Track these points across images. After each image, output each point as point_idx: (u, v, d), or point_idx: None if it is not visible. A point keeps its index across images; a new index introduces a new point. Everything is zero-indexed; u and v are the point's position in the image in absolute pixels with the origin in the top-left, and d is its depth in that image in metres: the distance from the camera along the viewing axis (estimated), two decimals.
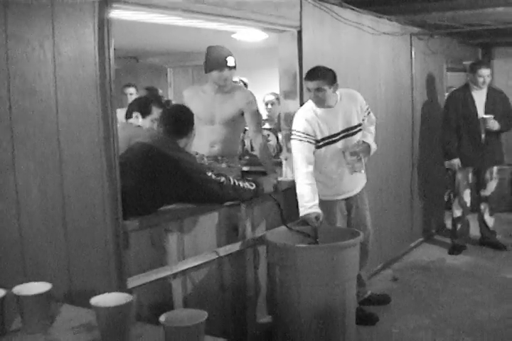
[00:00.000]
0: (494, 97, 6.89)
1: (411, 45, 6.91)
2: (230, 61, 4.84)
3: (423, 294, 5.68)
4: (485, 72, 6.77)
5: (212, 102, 4.98)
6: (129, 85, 7.59)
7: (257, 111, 5.04)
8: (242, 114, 4.98)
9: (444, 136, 6.98)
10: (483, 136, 6.82)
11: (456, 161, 6.83)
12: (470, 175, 6.99)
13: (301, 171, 4.53)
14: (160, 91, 7.89)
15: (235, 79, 6.53)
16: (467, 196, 7.01)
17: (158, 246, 3.66)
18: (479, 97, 6.84)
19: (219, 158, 5.03)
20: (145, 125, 4.56)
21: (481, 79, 6.76)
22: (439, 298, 5.53)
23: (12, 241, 2.78)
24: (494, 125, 6.69)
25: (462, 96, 6.87)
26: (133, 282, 3.43)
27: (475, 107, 6.81)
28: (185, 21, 4.22)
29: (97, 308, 2.02)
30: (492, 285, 5.85)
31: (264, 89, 7.26)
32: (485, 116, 6.71)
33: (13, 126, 2.76)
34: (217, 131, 4.98)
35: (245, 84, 6.71)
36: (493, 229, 7.20)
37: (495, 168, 7.06)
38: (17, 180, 2.78)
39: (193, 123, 4.08)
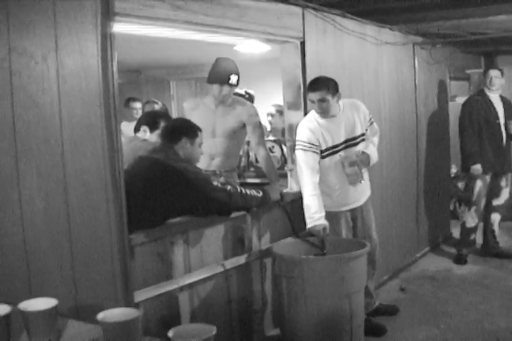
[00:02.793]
0: (508, 105, 6.91)
1: (414, 54, 6.90)
2: (233, 79, 4.85)
3: (431, 304, 5.64)
4: (492, 72, 6.79)
5: (213, 115, 4.98)
6: (134, 99, 7.60)
7: (259, 123, 5.04)
8: (244, 126, 4.97)
9: (465, 141, 6.83)
10: (504, 142, 6.82)
11: (479, 167, 6.70)
12: (488, 183, 6.89)
13: (307, 182, 4.52)
14: (159, 104, 7.88)
15: (241, 91, 6.53)
16: (483, 205, 6.96)
17: (165, 259, 3.64)
18: (497, 102, 6.84)
19: (217, 172, 5.02)
20: (152, 139, 4.55)
21: (488, 80, 6.78)
22: (447, 308, 5.49)
23: (17, 256, 2.76)
24: None
25: (481, 101, 6.83)
26: (139, 296, 3.41)
27: (496, 111, 6.79)
28: (188, 33, 4.22)
29: (103, 324, 2.00)
30: (500, 294, 5.81)
31: (268, 100, 7.26)
32: (510, 121, 6.74)
33: (17, 140, 2.75)
34: (218, 143, 4.98)
35: (251, 96, 6.69)
36: (498, 239, 7.17)
37: (510, 175, 7.03)
38: (21, 194, 2.77)
39: (187, 130, 4.01)
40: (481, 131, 6.76)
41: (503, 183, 7.00)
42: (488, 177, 6.86)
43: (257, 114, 5.03)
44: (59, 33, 2.90)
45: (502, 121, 6.80)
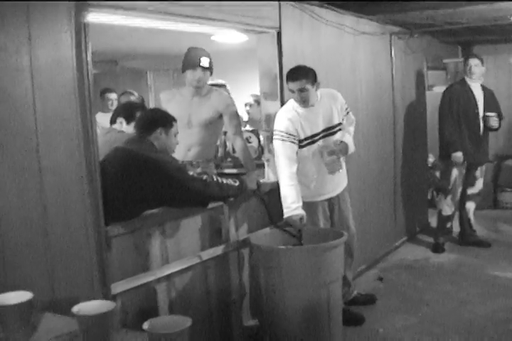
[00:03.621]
0: (488, 96, 6.95)
1: (391, 44, 6.91)
2: (204, 61, 4.81)
3: (409, 293, 5.68)
4: (472, 61, 6.82)
5: (189, 105, 4.96)
6: (110, 90, 7.55)
7: (236, 113, 5.02)
8: (220, 116, 4.95)
9: (444, 129, 6.84)
10: (481, 132, 6.85)
11: (460, 154, 6.72)
12: (464, 172, 6.94)
13: (284, 172, 4.52)
14: (135, 96, 7.84)
15: (219, 81, 6.52)
16: (459, 193, 7.01)
17: (141, 251, 3.63)
18: (477, 92, 6.87)
19: (194, 162, 5.00)
20: (128, 131, 4.53)
21: (467, 69, 6.82)
22: (425, 297, 5.53)
23: None
24: (495, 124, 6.77)
25: (461, 89, 6.86)
26: (117, 288, 3.40)
27: (476, 101, 6.83)
28: (164, 24, 4.19)
29: (79, 317, 2.00)
30: (477, 282, 5.87)
31: (245, 90, 7.25)
32: (488, 114, 6.76)
33: None
34: (194, 134, 4.95)
35: (221, 85, 6.66)
36: (474, 227, 7.25)
37: (484, 166, 7.10)
38: None
39: (162, 120, 3.98)
40: (460, 119, 6.79)
41: (477, 173, 7.05)
42: (463, 167, 6.89)
43: (233, 104, 5.02)
44: (32, 24, 2.88)
45: (481, 111, 6.82)
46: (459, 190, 6.98)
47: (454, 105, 6.78)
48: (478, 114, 6.82)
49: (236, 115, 5.01)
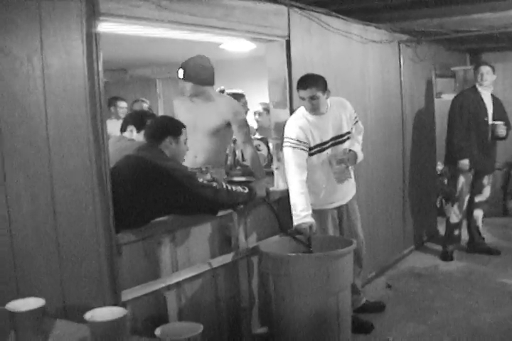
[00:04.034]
0: (498, 104, 6.93)
1: (399, 52, 6.92)
2: (179, 73, 4.87)
3: (417, 301, 5.66)
4: (483, 68, 6.79)
5: (196, 112, 4.98)
6: (120, 99, 7.59)
7: (245, 121, 5.02)
8: (229, 124, 4.96)
9: (453, 135, 6.81)
10: (489, 140, 6.82)
11: (467, 162, 6.70)
12: (471, 180, 6.91)
13: (294, 179, 4.52)
14: (147, 104, 7.87)
15: (238, 90, 6.53)
16: (467, 201, 6.98)
17: (152, 258, 3.64)
18: (488, 100, 6.85)
19: (203, 168, 5.00)
20: (139, 139, 4.55)
21: (479, 76, 6.79)
22: (434, 305, 5.52)
23: (4, 257, 2.76)
24: (503, 132, 6.74)
25: (472, 96, 6.83)
26: (127, 295, 3.42)
27: (486, 109, 6.80)
28: (174, 33, 4.22)
29: (91, 323, 2.01)
30: (486, 290, 5.85)
31: (254, 99, 7.27)
32: (496, 122, 6.74)
33: (3, 140, 2.75)
34: (200, 141, 4.95)
35: (240, 95, 6.66)
36: (483, 235, 7.23)
37: (491, 174, 7.07)
38: (8, 195, 2.77)
39: (170, 128, 3.99)
40: (469, 126, 6.77)
41: (485, 181, 7.02)
42: (471, 174, 6.87)
43: (241, 112, 5.02)
44: (44, 33, 2.90)
45: (490, 119, 6.80)
46: (466, 197, 6.95)
47: (465, 112, 6.75)
48: (487, 121, 6.79)
49: (245, 123, 5.02)
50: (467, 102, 6.80)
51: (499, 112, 6.89)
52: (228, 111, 4.93)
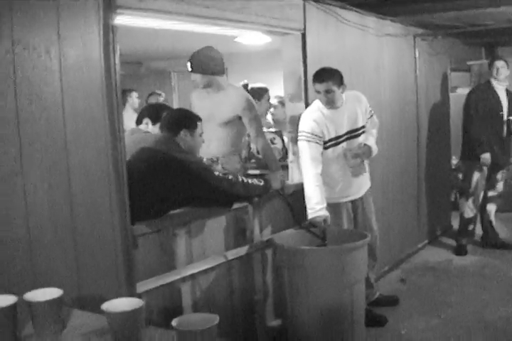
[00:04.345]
0: None
1: (414, 46, 6.90)
2: (188, 66, 4.90)
3: (431, 294, 5.67)
4: (498, 63, 6.78)
5: (209, 102, 5.00)
6: (131, 90, 7.62)
7: (255, 115, 4.98)
8: (240, 118, 4.96)
9: (472, 130, 6.76)
10: (504, 136, 6.81)
11: (488, 156, 6.66)
12: (486, 175, 6.89)
13: (309, 172, 4.53)
14: (162, 97, 7.90)
15: (261, 85, 6.53)
16: (481, 197, 6.97)
17: (167, 250, 3.66)
18: (502, 95, 6.82)
19: (214, 158, 5.01)
20: (154, 131, 4.57)
21: (494, 71, 6.76)
22: (448, 299, 5.52)
23: (21, 247, 2.79)
24: None
25: (487, 91, 6.81)
26: (142, 287, 3.43)
27: (501, 104, 6.78)
28: (189, 26, 4.23)
29: (109, 313, 2.02)
30: (500, 284, 5.85)
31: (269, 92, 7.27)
32: (511, 117, 6.72)
33: (21, 132, 2.77)
34: (213, 130, 4.96)
35: (265, 90, 6.63)
36: (496, 230, 7.21)
37: (505, 169, 7.05)
38: (25, 185, 2.80)
39: (186, 122, 4.01)
40: (485, 121, 6.74)
41: (499, 176, 7.01)
42: (485, 169, 6.86)
43: (251, 107, 4.98)
44: (62, 25, 2.92)
45: (505, 113, 6.78)
46: (481, 192, 6.95)
47: (480, 107, 6.73)
48: (502, 116, 6.78)
49: (255, 117, 4.98)
50: (482, 97, 6.77)
51: None
52: (239, 105, 4.91)
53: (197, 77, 4.94)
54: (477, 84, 7.45)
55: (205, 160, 4.90)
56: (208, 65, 4.88)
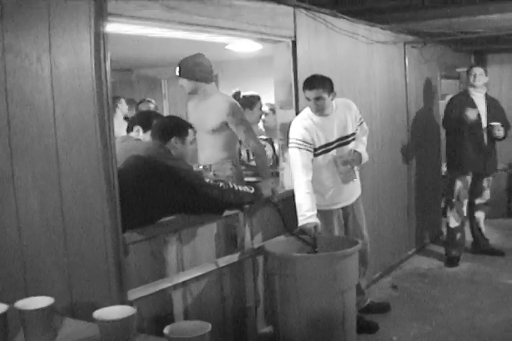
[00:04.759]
0: (493, 105, 6.84)
1: (405, 53, 6.92)
2: (176, 70, 4.94)
3: (422, 301, 5.67)
4: (476, 70, 6.74)
5: (198, 110, 5.02)
6: (119, 97, 7.61)
7: (241, 119, 4.91)
8: (227, 124, 4.94)
9: (450, 140, 6.88)
10: (485, 143, 6.73)
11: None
12: (469, 183, 6.84)
13: (300, 180, 4.53)
14: (153, 104, 7.88)
15: (253, 93, 6.54)
16: (465, 206, 6.90)
17: (158, 257, 3.66)
18: (480, 102, 6.76)
19: (206, 166, 5.02)
20: (145, 139, 4.56)
21: (471, 78, 6.72)
22: (439, 305, 5.53)
23: (13, 255, 2.77)
24: (500, 133, 6.62)
25: (464, 101, 6.74)
26: (133, 294, 3.43)
27: (479, 114, 6.68)
28: (180, 33, 4.23)
29: (100, 321, 2.02)
30: (491, 291, 5.86)
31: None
32: (493, 123, 6.62)
33: (12, 138, 2.76)
34: (203, 138, 4.98)
35: (257, 97, 6.65)
36: (486, 236, 7.20)
37: (491, 177, 6.98)
38: (16, 192, 2.78)
39: (176, 129, 4.01)
40: (463, 130, 6.68)
41: (484, 184, 6.94)
42: (469, 178, 6.80)
43: (236, 112, 4.94)
44: (53, 33, 2.92)
45: (484, 121, 6.71)
46: (465, 201, 6.87)
47: (456, 116, 6.67)
48: (481, 124, 6.70)
49: (241, 121, 4.92)
50: (459, 106, 6.70)
51: (494, 113, 6.79)
52: (224, 111, 4.90)
53: (183, 82, 4.98)
54: (455, 94, 7.35)
55: (200, 167, 4.91)
56: (193, 71, 4.90)
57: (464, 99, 6.80)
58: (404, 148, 7.01)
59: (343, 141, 4.79)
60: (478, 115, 6.70)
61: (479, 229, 7.15)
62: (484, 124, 6.72)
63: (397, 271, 6.65)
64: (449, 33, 6.66)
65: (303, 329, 4.24)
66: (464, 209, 6.91)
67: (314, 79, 4.61)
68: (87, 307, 2.82)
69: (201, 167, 4.96)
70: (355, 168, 4.91)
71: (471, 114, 6.58)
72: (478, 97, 6.79)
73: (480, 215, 7.10)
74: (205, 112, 4.96)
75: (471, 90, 6.80)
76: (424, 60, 7.37)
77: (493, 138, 6.73)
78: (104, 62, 3.19)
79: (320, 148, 4.68)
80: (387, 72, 6.59)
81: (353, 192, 5.00)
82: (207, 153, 5.04)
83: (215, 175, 4.94)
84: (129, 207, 3.47)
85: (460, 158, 6.77)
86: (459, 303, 5.57)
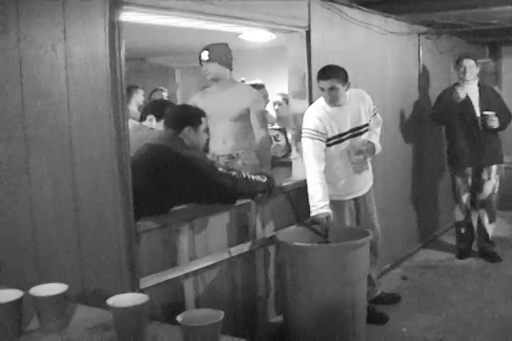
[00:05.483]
0: (487, 94, 6.56)
1: (418, 44, 6.91)
2: (203, 55, 4.97)
3: (433, 293, 5.68)
4: (466, 62, 6.48)
5: (218, 99, 5.03)
6: (138, 87, 7.64)
7: (263, 109, 5.06)
8: (249, 111, 4.98)
9: (445, 134, 6.85)
10: (480, 133, 6.47)
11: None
12: (469, 179, 6.66)
13: (312, 170, 4.54)
14: (166, 93, 7.91)
15: (257, 81, 6.56)
16: (467, 200, 6.73)
17: (170, 246, 3.68)
18: (473, 93, 6.48)
19: (233, 155, 5.04)
20: (158, 128, 4.57)
21: (461, 70, 6.48)
22: (449, 297, 5.54)
23: (26, 243, 2.79)
24: (494, 123, 6.33)
25: (454, 94, 6.42)
26: (145, 282, 3.45)
27: (471, 104, 6.46)
28: (194, 23, 4.24)
29: (114, 309, 2.03)
30: (501, 282, 5.87)
31: (273, 89, 7.27)
32: (486, 112, 6.35)
33: (26, 128, 2.77)
34: (226, 126, 5.00)
35: (260, 86, 6.69)
36: (492, 239, 6.83)
37: (494, 168, 6.65)
38: (31, 181, 2.80)
39: (189, 118, 4.02)
40: (455, 125, 6.55)
41: (484, 176, 6.64)
42: (468, 172, 6.63)
43: (261, 101, 5.06)
44: (68, 22, 2.92)
45: (477, 111, 6.46)
46: (464, 196, 6.70)
47: (447, 110, 6.50)
48: (474, 115, 6.46)
49: (262, 111, 5.05)
50: (451, 100, 6.43)
51: (488, 101, 6.50)
52: (249, 98, 4.96)
53: (212, 67, 4.98)
54: (446, 87, 7.12)
55: (221, 159, 4.95)
56: (225, 55, 4.97)
57: (453, 93, 6.46)
58: (417, 139, 6.99)
59: (356, 131, 4.78)
60: (472, 107, 6.46)
61: (484, 230, 6.81)
62: (478, 113, 6.46)
63: (407, 262, 6.65)
64: (463, 24, 6.61)
65: (313, 319, 4.25)
66: (467, 203, 6.75)
67: (328, 70, 4.60)
68: (99, 295, 2.85)
69: (224, 157, 4.99)
70: (368, 158, 4.91)
71: (460, 93, 6.34)
72: (470, 89, 6.48)
73: (481, 214, 6.78)
74: (227, 100, 4.99)
75: (461, 83, 6.55)
76: (438, 51, 7.34)
77: (487, 129, 6.44)
78: (119, 51, 3.20)
79: (333, 138, 4.67)
80: (401, 63, 6.57)
81: (365, 183, 5.01)
82: (230, 142, 5.05)
83: (243, 163, 4.97)
84: (142, 196, 3.48)
85: (455, 152, 6.64)
86: (469, 295, 5.57)
